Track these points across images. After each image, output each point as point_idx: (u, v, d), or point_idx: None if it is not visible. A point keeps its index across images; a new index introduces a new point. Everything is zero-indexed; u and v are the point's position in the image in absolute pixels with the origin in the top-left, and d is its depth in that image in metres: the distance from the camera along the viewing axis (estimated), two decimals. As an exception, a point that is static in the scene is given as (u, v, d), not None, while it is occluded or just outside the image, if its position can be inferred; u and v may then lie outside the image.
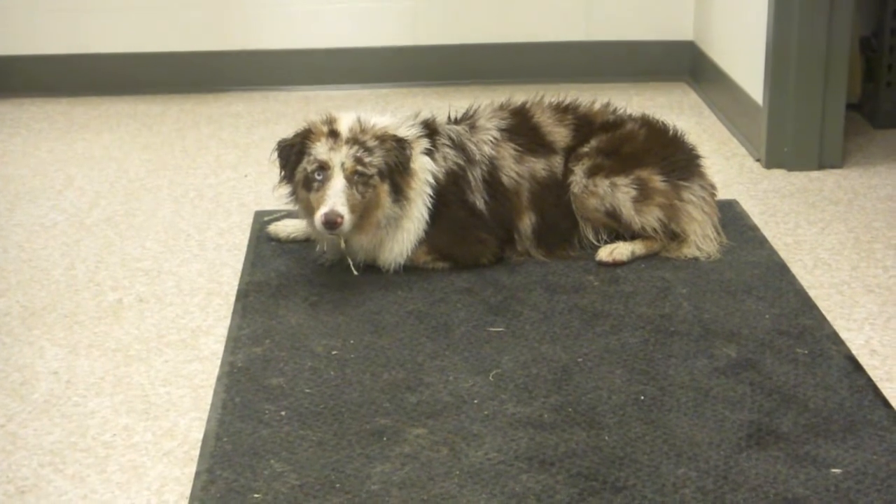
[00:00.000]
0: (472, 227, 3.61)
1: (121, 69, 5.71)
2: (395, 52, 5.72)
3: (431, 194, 3.56)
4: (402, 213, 3.51)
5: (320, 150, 3.43)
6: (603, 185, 3.62)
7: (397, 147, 3.47)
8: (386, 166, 3.45)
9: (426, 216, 3.56)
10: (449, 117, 3.76)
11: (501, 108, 3.78)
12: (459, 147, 3.63)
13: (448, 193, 3.59)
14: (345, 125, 3.48)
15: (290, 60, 5.72)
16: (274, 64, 5.72)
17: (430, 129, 3.65)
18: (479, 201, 3.61)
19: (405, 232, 3.56)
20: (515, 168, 3.65)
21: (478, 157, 3.63)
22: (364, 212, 3.46)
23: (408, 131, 3.58)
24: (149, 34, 5.68)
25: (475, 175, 3.61)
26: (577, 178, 3.65)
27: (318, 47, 5.72)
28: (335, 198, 3.37)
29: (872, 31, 5.00)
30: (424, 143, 3.59)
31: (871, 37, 5.01)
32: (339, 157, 3.41)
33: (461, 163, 3.61)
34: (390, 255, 3.58)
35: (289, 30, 5.70)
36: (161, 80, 5.72)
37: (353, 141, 3.43)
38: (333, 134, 3.45)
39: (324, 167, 3.41)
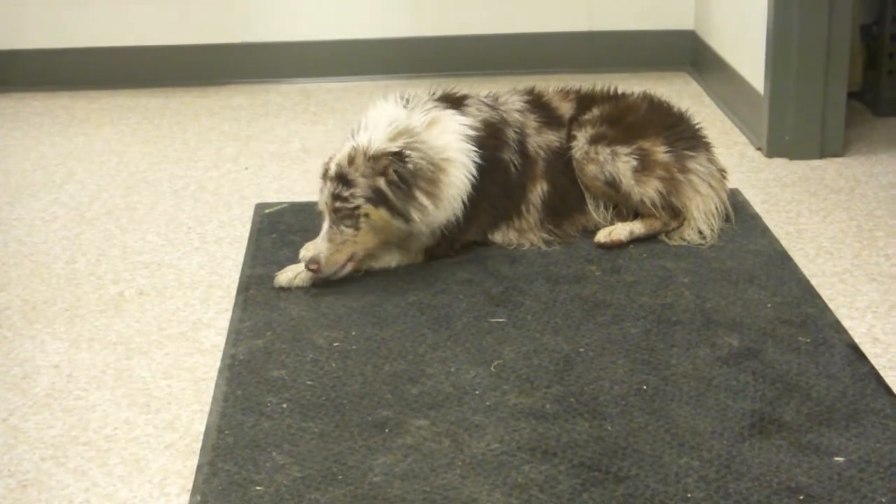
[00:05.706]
0: (506, 196, 3.61)
1: (121, 62, 5.70)
2: (397, 43, 5.70)
3: (473, 149, 3.51)
4: (421, 218, 3.41)
5: (318, 194, 3.48)
6: (604, 153, 3.63)
7: (392, 162, 3.36)
8: (375, 191, 3.35)
9: (472, 172, 3.49)
10: None
11: (515, 90, 3.82)
12: (493, 108, 3.66)
13: (488, 147, 3.54)
14: (336, 160, 3.42)
15: (290, 53, 5.71)
16: (274, 56, 5.71)
17: (453, 101, 3.63)
18: (513, 164, 3.61)
19: (447, 201, 3.46)
20: (536, 139, 3.68)
21: (510, 120, 3.66)
22: (378, 239, 3.44)
23: (417, 120, 3.51)
24: (149, 27, 5.67)
25: (509, 135, 3.63)
26: (580, 144, 3.67)
27: (318, 39, 5.71)
28: (319, 242, 3.42)
29: (874, 18, 4.99)
30: (448, 115, 3.55)
31: (872, 25, 4.99)
32: (322, 198, 3.43)
33: (497, 118, 3.63)
34: (441, 214, 3.48)
35: (289, 22, 5.69)
36: (161, 73, 5.71)
37: (336, 177, 3.38)
38: (325, 173, 3.44)
39: (321, 210, 3.46)
